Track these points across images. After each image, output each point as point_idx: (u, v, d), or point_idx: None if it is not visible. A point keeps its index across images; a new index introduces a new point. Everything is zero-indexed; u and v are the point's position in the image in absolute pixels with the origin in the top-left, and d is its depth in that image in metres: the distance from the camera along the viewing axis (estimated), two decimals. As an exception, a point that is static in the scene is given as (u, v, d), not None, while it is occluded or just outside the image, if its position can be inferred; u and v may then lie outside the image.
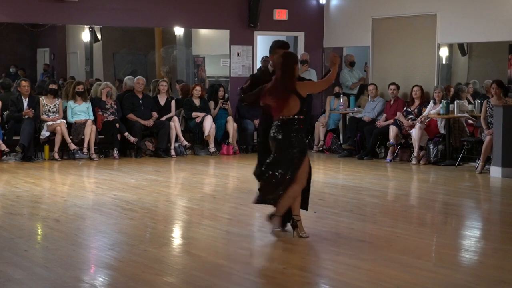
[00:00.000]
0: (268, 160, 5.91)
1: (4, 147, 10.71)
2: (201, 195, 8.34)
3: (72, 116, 11.32)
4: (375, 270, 5.07)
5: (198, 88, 12.10)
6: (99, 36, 13.83)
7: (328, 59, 6.14)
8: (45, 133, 11.04)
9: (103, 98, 11.46)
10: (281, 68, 5.87)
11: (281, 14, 13.18)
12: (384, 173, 10.33)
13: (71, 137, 11.11)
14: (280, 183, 5.87)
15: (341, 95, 12.47)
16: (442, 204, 8.13)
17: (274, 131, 5.91)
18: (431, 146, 10.83)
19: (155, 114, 11.76)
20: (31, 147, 10.87)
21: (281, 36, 13.72)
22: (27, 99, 11.04)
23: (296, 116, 5.86)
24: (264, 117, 6.19)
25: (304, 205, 6.11)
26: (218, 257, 5.47)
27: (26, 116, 10.86)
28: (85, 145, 11.15)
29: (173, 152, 11.66)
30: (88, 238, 6.07)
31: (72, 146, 11.04)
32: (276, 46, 6.19)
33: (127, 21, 12.37)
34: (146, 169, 10.25)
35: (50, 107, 11.25)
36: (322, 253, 5.63)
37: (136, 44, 14.06)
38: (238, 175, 10.06)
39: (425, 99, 11.29)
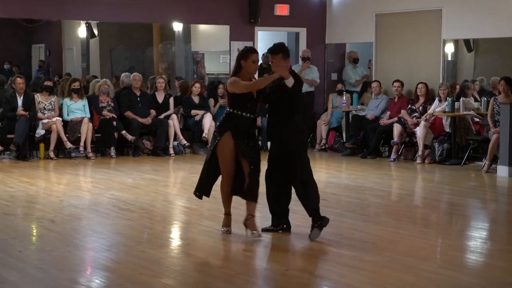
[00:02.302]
0: None
1: (-2, 146, 10.66)
2: (200, 194, 8.26)
3: (68, 114, 11.26)
4: (378, 271, 5.06)
5: (197, 85, 12.03)
6: (95, 31, 13.79)
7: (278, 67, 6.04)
8: (40, 131, 10.96)
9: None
10: None
11: (282, 10, 13.13)
12: (388, 172, 10.30)
13: (67, 135, 11.05)
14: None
15: (344, 93, 12.40)
16: (447, 204, 8.10)
17: None
18: (436, 145, 10.76)
19: (153, 112, 11.69)
20: (26, 146, 10.81)
21: (283, 32, 13.66)
22: (21, 97, 10.97)
23: (227, 109, 6.11)
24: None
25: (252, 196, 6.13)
26: (217, 259, 5.46)
27: (20, 115, 10.77)
28: (82, 143, 11.08)
29: (171, 151, 11.59)
30: (84, 239, 6.04)
31: (68, 145, 10.97)
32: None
33: (125, 16, 12.33)
34: (144, 168, 10.20)
35: (45, 105, 11.17)
36: (324, 254, 5.60)
37: (133, 40, 14.04)
38: (239, 174, 9.94)
39: (430, 97, 11.26)
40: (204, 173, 6.18)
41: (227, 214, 6.16)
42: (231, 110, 5.99)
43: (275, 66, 5.96)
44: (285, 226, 6.11)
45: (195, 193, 6.26)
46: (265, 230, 6.15)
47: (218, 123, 6.12)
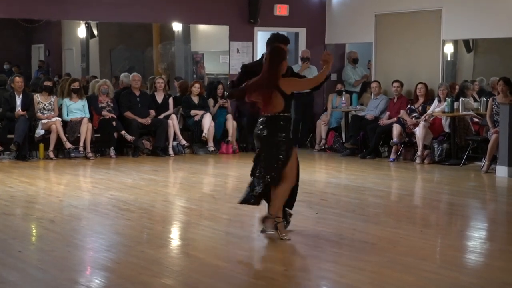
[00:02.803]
0: (255, 156, 5.94)
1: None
2: (200, 195, 8.27)
3: (67, 114, 11.22)
4: (378, 272, 5.03)
5: (197, 85, 12.00)
6: (95, 32, 13.75)
7: (322, 56, 6.01)
8: (40, 132, 10.92)
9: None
10: (268, 63, 5.79)
11: (282, 10, 13.10)
12: (388, 172, 10.27)
13: (66, 135, 11.01)
14: (259, 183, 5.83)
15: (344, 93, 12.36)
16: (446, 204, 8.06)
17: (258, 128, 5.86)
18: (435, 145, 10.73)
19: (152, 112, 11.66)
20: (25, 146, 10.76)
21: (282, 32, 13.62)
22: (20, 96, 10.91)
23: (281, 114, 5.79)
24: (251, 115, 6.15)
25: (289, 205, 6.07)
26: (217, 259, 5.41)
27: (18, 116, 10.72)
28: (81, 143, 11.04)
29: (171, 151, 11.56)
30: (84, 239, 6.02)
31: (68, 145, 10.94)
32: (277, 41, 6.02)
33: (124, 16, 12.29)
34: (144, 169, 10.16)
35: (45, 105, 11.14)
36: (324, 254, 5.56)
37: (133, 40, 13.99)
38: (238, 174, 9.93)
39: (429, 97, 11.22)
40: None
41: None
42: (288, 114, 5.85)
43: (327, 58, 5.90)
44: (285, 223, 6.09)
45: (253, 203, 6.00)
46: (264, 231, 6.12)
47: (286, 130, 5.81)
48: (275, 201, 5.84)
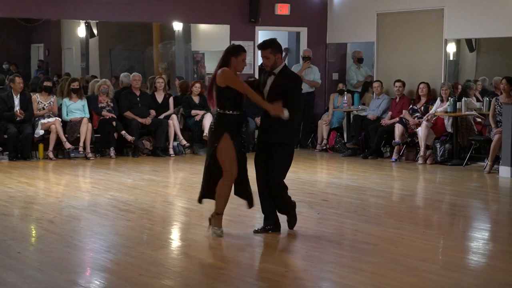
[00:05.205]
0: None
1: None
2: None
3: (67, 114, 11.19)
4: (379, 273, 5.03)
5: (197, 85, 11.98)
6: (95, 31, 13.73)
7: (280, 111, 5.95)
8: (39, 132, 10.91)
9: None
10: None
11: (283, 9, 13.08)
12: (389, 173, 10.24)
13: (66, 135, 10.99)
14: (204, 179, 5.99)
15: (345, 93, 12.32)
16: (449, 205, 8.05)
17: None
18: (438, 145, 10.71)
19: (152, 112, 11.63)
20: (22, 146, 10.73)
21: (283, 31, 13.59)
22: (18, 96, 10.87)
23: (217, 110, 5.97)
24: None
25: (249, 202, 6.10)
26: (217, 260, 5.44)
27: (18, 118, 10.69)
28: (81, 144, 11.03)
29: (171, 151, 11.55)
30: (83, 240, 6.02)
31: (67, 145, 10.93)
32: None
33: (124, 15, 12.28)
34: (144, 169, 10.15)
35: (44, 105, 11.12)
36: (325, 255, 5.55)
37: (133, 40, 13.97)
38: (239, 174, 9.90)
39: (431, 97, 11.21)
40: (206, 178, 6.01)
41: (221, 214, 6.02)
42: (225, 111, 5.89)
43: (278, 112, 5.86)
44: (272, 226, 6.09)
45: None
46: (256, 232, 6.10)
47: (212, 126, 5.92)
48: (216, 198, 5.92)
